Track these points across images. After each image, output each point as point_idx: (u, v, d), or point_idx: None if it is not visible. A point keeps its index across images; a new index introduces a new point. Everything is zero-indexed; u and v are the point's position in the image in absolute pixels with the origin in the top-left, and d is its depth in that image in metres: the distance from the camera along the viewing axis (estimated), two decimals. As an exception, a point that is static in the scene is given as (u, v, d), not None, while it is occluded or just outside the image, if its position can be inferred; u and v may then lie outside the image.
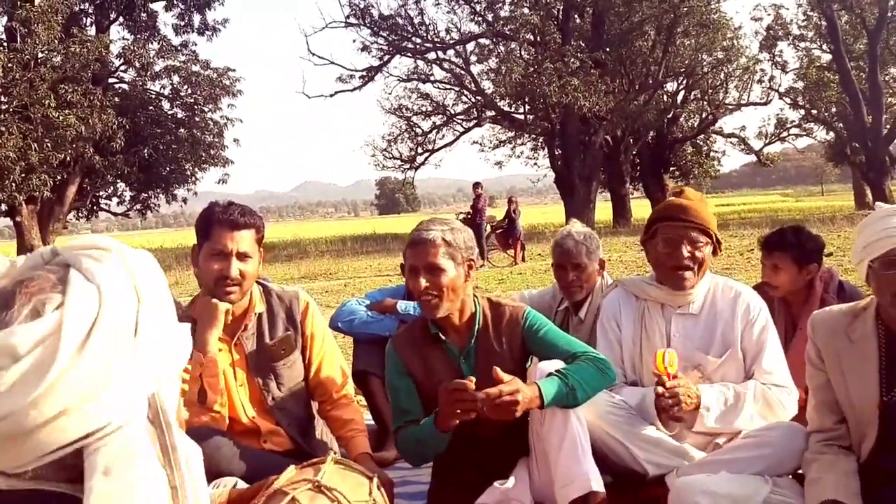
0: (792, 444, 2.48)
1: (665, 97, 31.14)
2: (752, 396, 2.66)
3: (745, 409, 2.64)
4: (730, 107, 33.17)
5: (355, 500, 1.93)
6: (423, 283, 2.47)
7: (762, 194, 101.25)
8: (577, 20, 29.79)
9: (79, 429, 0.89)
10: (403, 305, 3.86)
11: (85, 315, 0.90)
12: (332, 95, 30.93)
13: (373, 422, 3.79)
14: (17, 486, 0.91)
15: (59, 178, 23.14)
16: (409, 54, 30.91)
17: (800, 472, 2.48)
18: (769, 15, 33.48)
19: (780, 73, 33.99)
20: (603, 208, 33.62)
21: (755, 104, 33.32)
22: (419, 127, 32.47)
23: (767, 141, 35.22)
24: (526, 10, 28.32)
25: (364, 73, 30.55)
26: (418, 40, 30.71)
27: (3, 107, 22.03)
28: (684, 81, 31.12)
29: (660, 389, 2.53)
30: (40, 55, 22.95)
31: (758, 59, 32.61)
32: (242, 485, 2.38)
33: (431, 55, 30.89)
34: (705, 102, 32.63)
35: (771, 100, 33.38)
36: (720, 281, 2.88)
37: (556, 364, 2.46)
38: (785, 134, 35.34)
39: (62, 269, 0.94)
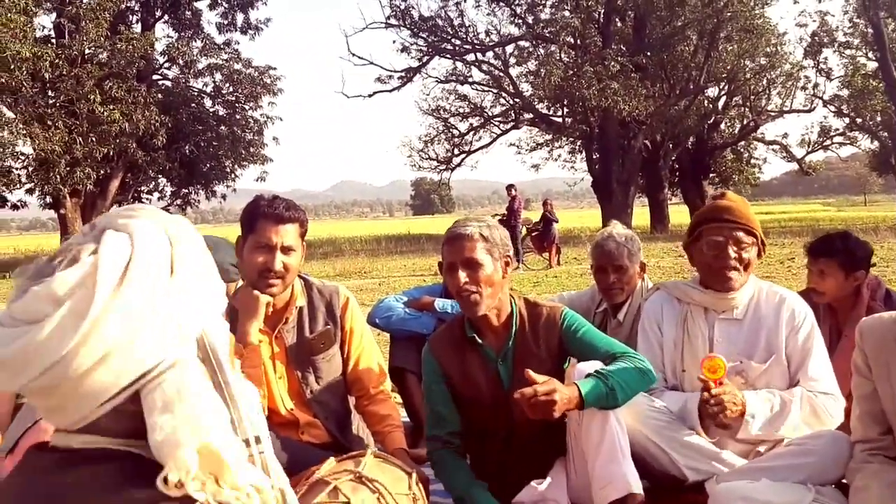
0: (836, 453, 2.43)
1: (706, 102, 30.78)
2: (799, 404, 2.61)
3: (791, 416, 2.59)
4: (772, 113, 32.67)
5: (396, 493, 1.94)
6: (463, 278, 2.44)
7: (803, 203, 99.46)
8: (619, 23, 29.54)
9: (129, 371, 0.91)
10: (441, 303, 3.86)
11: (119, 257, 0.92)
12: (370, 96, 31.11)
13: (408, 419, 3.80)
14: (89, 443, 0.93)
15: (102, 172, 23.62)
16: (447, 55, 30.95)
17: (843, 481, 2.43)
18: (814, 21, 33.03)
19: (825, 80, 33.47)
20: (640, 213, 33.32)
21: (798, 111, 32.81)
22: (456, 128, 32.52)
23: (810, 149, 34.66)
24: (567, 13, 28.19)
25: (403, 74, 30.67)
26: (458, 42, 30.74)
27: (51, 101, 22.52)
28: (726, 87, 30.73)
29: (705, 395, 2.50)
30: (87, 52, 23.44)
31: (802, 66, 32.11)
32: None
33: (470, 57, 30.91)
34: (747, 109, 32.19)
35: (815, 107, 32.86)
36: (764, 286, 2.84)
37: (596, 365, 2.43)
38: (828, 142, 34.74)
39: (99, 232, 0.97)
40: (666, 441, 2.59)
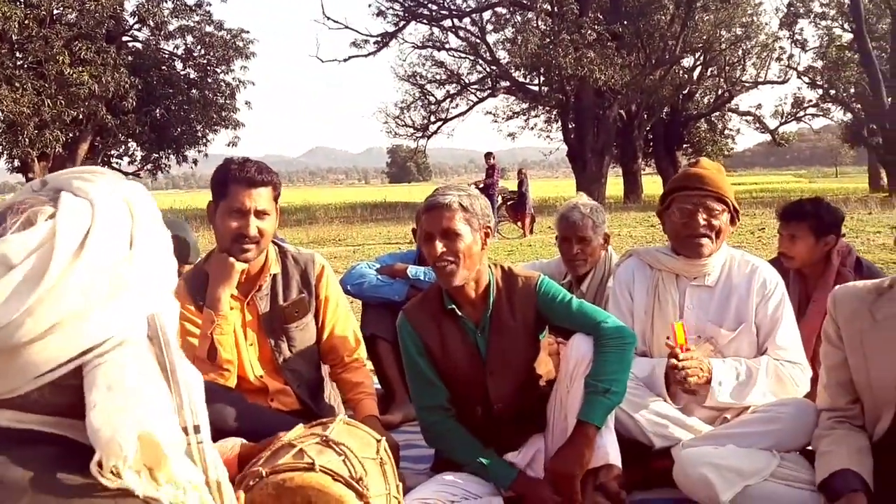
0: (802, 421, 2.46)
1: (681, 73, 30.81)
2: (765, 372, 2.64)
3: (758, 384, 2.62)
4: (746, 84, 32.80)
5: (363, 457, 1.94)
6: (440, 248, 2.38)
7: (775, 174, 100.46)
8: (596, -9, 29.40)
9: (76, 344, 0.86)
10: (414, 270, 3.85)
11: (78, 224, 0.88)
12: (345, 60, 30.74)
13: (379, 386, 3.80)
14: (15, 421, 0.88)
15: (71, 135, 23.22)
16: (424, 21, 30.64)
17: (808, 448, 2.47)
18: (792, -9, 33.00)
19: (800, 51, 33.63)
20: (614, 183, 33.44)
21: (772, 82, 32.96)
22: (433, 95, 32.28)
23: (783, 120, 34.89)
24: (544, -21, 27.97)
25: (378, 39, 30.32)
26: (434, 7, 30.42)
27: (19, 63, 22.02)
28: (701, 57, 30.80)
29: (673, 361, 2.52)
30: (56, 12, 22.88)
31: (777, 37, 32.21)
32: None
33: (447, 22, 30.63)
34: (722, 79, 32.27)
35: (789, 78, 33.01)
36: (737, 254, 2.85)
37: (590, 341, 2.45)
38: (801, 113, 34.96)
39: (53, 192, 0.92)
40: (633, 407, 2.61)
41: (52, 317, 0.84)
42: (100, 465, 0.83)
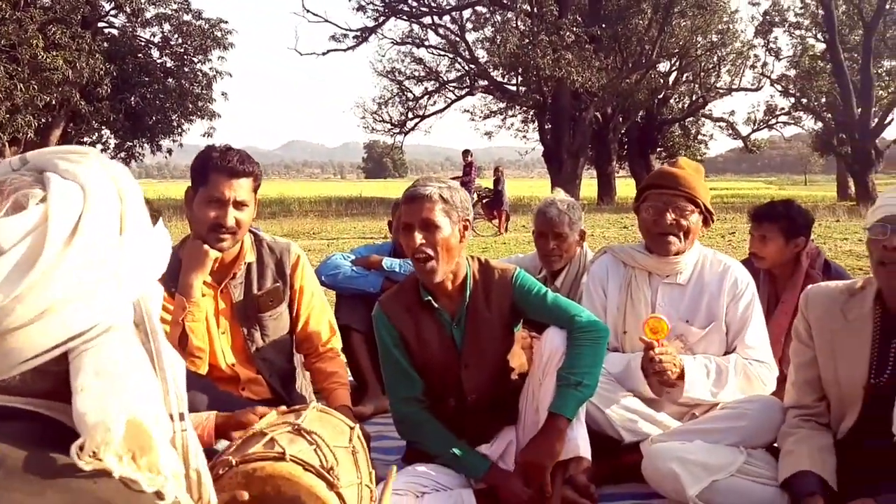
0: (769, 418, 2.51)
1: (657, 77, 31.01)
2: (734, 370, 2.68)
3: (727, 382, 2.66)
4: (721, 91, 33.07)
5: (335, 445, 1.93)
6: (419, 239, 2.36)
7: (746, 180, 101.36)
8: (575, -7, 29.51)
9: (64, 330, 0.85)
10: (389, 262, 3.85)
11: (71, 209, 0.86)
12: (324, 54, 30.55)
13: (352, 377, 3.80)
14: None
15: (43, 120, 22.81)
16: (404, 17, 30.54)
17: (774, 445, 2.51)
18: (767, 0, 33.38)
19: (774, 59, 33.96)
20: (588, 185, 33.57)
21: (746, 90, 33.27)
22: (411, 92, 32.17)
23: (755, 127, 35.21)
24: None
25: (358, 34, 30.19)
26: (414, 3, 30.35)
27: (-9, 45, 21.61)
28: (677, 63, 30.98)
29: (650, 354, 2.57)
30: (30, -6, 22.49)
31: (752, 45, 32.53)
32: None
33: (427, 20, 30.57)
34: (697, 85, 32.51)
35: (762, 86, 33.34)
36: (709, 253, 2.89)
37: (560, 332, 2.47)
38: (773, 121, 35.32)
39: (37, 173, 0.90)
40: (604, 402, 2.64)
41: (42, 303, 0.83)
42: (81, 448, 0.82)
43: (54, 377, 0.87)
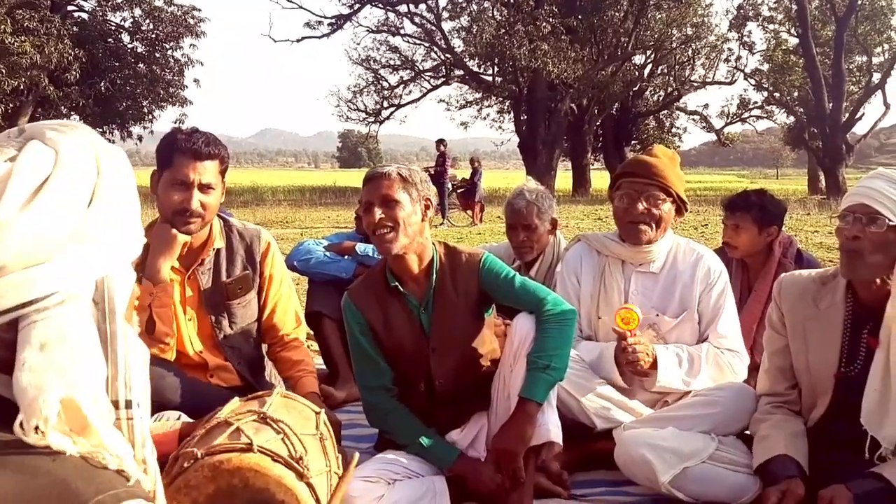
0: (741, 405, 2.52)
1: (633, 70, 31.16)
2: (706, 359, 2.69)
3: (699, 371, 2.67)
4: (695, 84, 33.36)
5: (302, 433, 1.89)
6: (378, 214, 2.36)
7: (719, 174, 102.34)
8: (552, -17, 29.50)
9: (16, 294, 0.83)
10: (362, 247, 3.81)
11: (37, 171, 0.85)
12: (298, 41, 30.28)
13: (323, 365, 3.76)
14: None
15: (11, 106, 22.43)
16: (379, 4, 30.30)
17: (746, 432, 2.52)
18: (742, -7, 33.60)
19: (747, 53, 34.25)
20: (563, 177, 33.68)
21: (720, 83, 33.56)
22: (386, 80, 32.01)
23: (729, 121, 35.59)
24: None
25: (333, 21, 29.95)
26: (390, -10, 30.16)
27: (-45, 28, 21.17)
28: (652, 55, 31.15)
29: (623, 343, 2.56)
30: (-4, -24, 22.04)
31: (726, 38, 32.79)
32: (188, 419, 2.34)
33: (403, 7, 30.35)
34: (671, 78, 32.75)
35: (736, 79, 33.67)
36: (682, 242, 2.89)
37: (532, 320, 2.45)
38: (746, 115, 35.72)
39: (25, 140, 0.90)
40: (577, 389, 2.63)
41: None
42: (22, 425, 0.81)
43: (3, 345, 0.85)
